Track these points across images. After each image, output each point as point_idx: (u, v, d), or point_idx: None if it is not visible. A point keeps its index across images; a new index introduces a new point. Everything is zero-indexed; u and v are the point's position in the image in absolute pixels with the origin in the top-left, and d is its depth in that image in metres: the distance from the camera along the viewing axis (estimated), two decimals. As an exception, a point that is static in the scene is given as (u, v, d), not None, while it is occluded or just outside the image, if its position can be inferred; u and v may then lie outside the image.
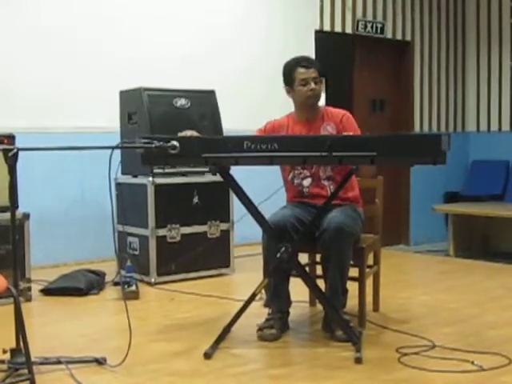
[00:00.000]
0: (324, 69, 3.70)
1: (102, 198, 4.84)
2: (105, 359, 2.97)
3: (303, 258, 3.63)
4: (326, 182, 3.59)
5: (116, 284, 4.59)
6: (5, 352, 2.77)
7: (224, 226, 5.08)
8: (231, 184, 3.33)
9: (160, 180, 4.78)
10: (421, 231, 7.92)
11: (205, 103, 5.14)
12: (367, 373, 2.87)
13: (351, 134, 3.47)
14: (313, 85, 3.54)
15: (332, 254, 3.32)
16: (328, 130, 3.57)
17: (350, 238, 3.35)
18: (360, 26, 7.36)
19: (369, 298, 3.76)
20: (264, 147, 3.03)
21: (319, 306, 3.78)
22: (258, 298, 3.36)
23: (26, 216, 4.16)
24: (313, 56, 6.59)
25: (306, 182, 3.62)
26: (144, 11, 5.86)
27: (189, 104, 5.03)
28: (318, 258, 3.84)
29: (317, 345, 3.30)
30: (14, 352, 2.74)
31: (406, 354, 3.06)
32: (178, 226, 4.85)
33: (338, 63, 7.22)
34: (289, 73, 3.59)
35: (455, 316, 3.87)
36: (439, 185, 8.08)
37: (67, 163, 5.36)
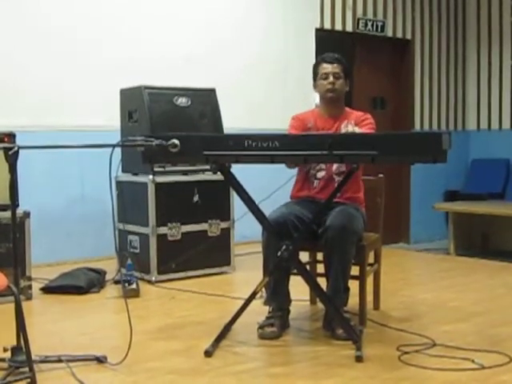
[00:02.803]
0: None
1: (102, 196, 4.85)
2: (105, 357, 2.97)
3: (304, 257, 3.63)
4: (336, 177, 3.61)
5: (116, 282, 4.59)
6: (5, 350, 2.77)
7: (224, 225, 5.08)
8: (232, 182, 3.32)
9: (160, 178, 4.78)
10: (421, 229, 7.92)
11: (205, 101, 5.14)
12: (368, 371, 2.87)
13: (362, 129, 3.53)
14: (331, 78, 3.63)
15: (335, 251, 3.32)
16: (348, 127, 3.63)
17: (353, 237, 3.36)
18: (360, 24, 7.36)
19: (369, 297, 3.76)
20: (265, 145, 3.02)
21: (320, 305, 3.78)
22: (258, 296, 3.36)
23: (27, 214, 4.16)
24: (313, 54, 6.62)
25: (320, 174, 3.65)
26: (144, 11, 5.86)
27: (189, 102, 5.03)
28: (319, 256, 3.84)
29: (317, 343, 3.30)
30: (15, 350, 2.74)
31: (406, 353, 3.06)
32: (178, 224, 4.85)
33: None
34: (314, 68, 3.72)
35: (456, 314, 3.88)
36: (439, 183, 8.08)
37: (68, 161, 5.36)
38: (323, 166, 3.64)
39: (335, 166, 3.62)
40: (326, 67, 3.65)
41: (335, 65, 3.65)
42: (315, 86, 3.73)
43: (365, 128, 3.60)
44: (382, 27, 7.57)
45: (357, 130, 3.51)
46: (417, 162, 3.25)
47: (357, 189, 3.67)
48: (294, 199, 3.70)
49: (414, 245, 7.71)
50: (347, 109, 3.78)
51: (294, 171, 3.72)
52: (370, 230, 3.80)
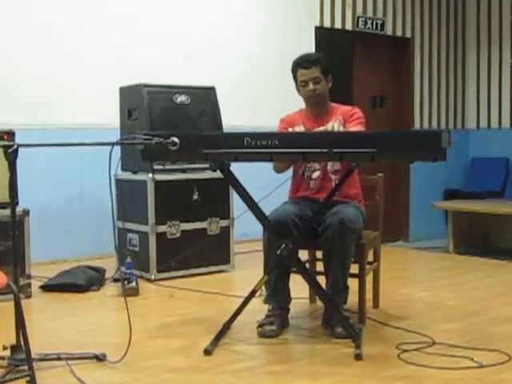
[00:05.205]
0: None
1: (101, 194, 4.85)
2: (105, 355, 2.97)
3: (303, 255, 3.63)
4: (332, 176, 3.61)
5: (116, 280, 4.59)
6: (5, 348, 2.77)
7: (224, 223, 5.08)
8: (231, 180, 3.32)
9: (160, 176, 4.78)
10: (420, 228, 7.92)
11: (205, 99, 5.14)
12: (367, 369, 2.87)
13: (350, 126, 3.54)
14: (311, 86, 3.58)
15: (334, 250, 3.32)
16: (335, 126, 3.59)
17: (353, 235, 3.36)
18: (360, 22, 7.35)
19: (369, 295, 3.76)
20: (264, 143, 3.02)
21: (319, 303, 3.78)
22: (257, 294, 3.36)
23: (26, 212, 4.15)
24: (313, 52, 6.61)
25: (315, 175, 3.64)
26: (144, 9, 5.85)
27: (189, 100, 5.03)
28: (318, 254, 3.84)
29: (317, 341, 3.31)
30: (15, 348, 2.74)
31: (405, 351, 3.06)
32: (177, 222, 4.85)
33: (338, 60, 7.22)
34: (293, 73, 3.67)
35: (455, 313, 3.88)
36: (439, 182, 8.09)
37: (67, 160, 5.36)
38: (317, 166, 3.63)
39: (329, 164, 3.61)
40: (304, 73, 3.57)
41: (313, 69, 3.56)
42: (298, 90, 3.68)
43: (354, 123, 3.58)
44: (382, 25, 7.57)
45: (336, 127, 3.49)
46: (416, 161, 3.24)
47: (353, 185, 3.67)
48: (293, 199, 3.70)
49: (414, 243, 7.72)
50: (333, 104, 3.73)
51: (291, 170, 3.72)
52: (370, 229, 3.80)
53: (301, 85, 3.61)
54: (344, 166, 3.52)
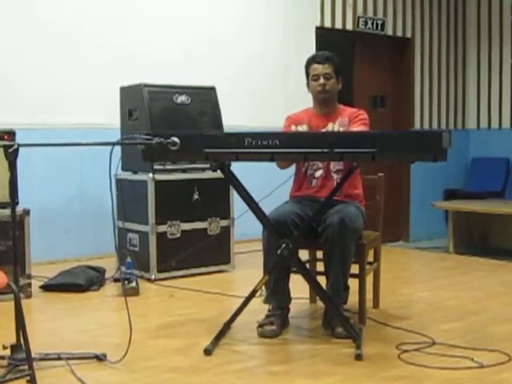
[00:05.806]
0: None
1: (102, 194, 4.85)
2: (105, 355, 2.97)
3: (303, 255, 3.63)
4: (335, 175, 3.62)
5: (116, 280, 4.59)
6: (5, 348, 2.77)
7: (224, 223, 5.08)
8: (232, 180, 3.32)
9: (160, 176, 4.78)
10: (421, 228, 7.93)
11: (205, 99, 5.14)
12: (367, 369, 2.87)
13: (354, 127, 3.57)
14: (322, 80, 3.61)
15: (335, 249, 3.32)
16: (335, 127, 3.62)
17: (353, 235, 3.36)
18: (360, 22, 7.35)
19: (369, 295, 3.76)
20: (265, 143, 3.02)
21: (319, 303, 3.78)
22: (258, 294, 3.36)
23: (26, 212, 4.15)
24: (313, 52, 6.60)
25: (318, 174, 3.65)
26: (144, 8, 5.85)
27: (189, 100, 5.03)
28: (318, 254, 3.84)
29: (317, 341, 3.30)
30: (15, 348, 2.75)
31: (406, 351, 3.06)
32: (178, 222, 4.85)
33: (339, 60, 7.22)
34: (306, 68, 3.70)
35: (455, 313, 3.88)
36: (439, 182, 8.09)
37: (67, 159, 5.36)
38: (320, 164, 3.64)
39: (332, 163, 3.62)
40: (317, 68, 3.62)
41: (326, 65, 3.62)
42: (308, 86, 3.72)
43: (357, 124, 3.60)
44: (382, 26, 7.57)
45: (336, 128, 3.52)
46: (417, 161, 3.24)
47: (355, 185, 3.68)
48: (294, 198, 3.70)
49: (414, 243, 7.72)
50: (341, 106, 3.76)
51: (293, 170, 3.73)
52: (370, 229, 3.80)
53: (312, 79, 3.64)
54: (346, 166, 3.53)
